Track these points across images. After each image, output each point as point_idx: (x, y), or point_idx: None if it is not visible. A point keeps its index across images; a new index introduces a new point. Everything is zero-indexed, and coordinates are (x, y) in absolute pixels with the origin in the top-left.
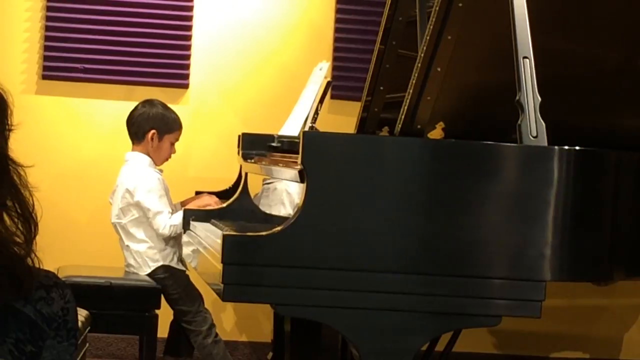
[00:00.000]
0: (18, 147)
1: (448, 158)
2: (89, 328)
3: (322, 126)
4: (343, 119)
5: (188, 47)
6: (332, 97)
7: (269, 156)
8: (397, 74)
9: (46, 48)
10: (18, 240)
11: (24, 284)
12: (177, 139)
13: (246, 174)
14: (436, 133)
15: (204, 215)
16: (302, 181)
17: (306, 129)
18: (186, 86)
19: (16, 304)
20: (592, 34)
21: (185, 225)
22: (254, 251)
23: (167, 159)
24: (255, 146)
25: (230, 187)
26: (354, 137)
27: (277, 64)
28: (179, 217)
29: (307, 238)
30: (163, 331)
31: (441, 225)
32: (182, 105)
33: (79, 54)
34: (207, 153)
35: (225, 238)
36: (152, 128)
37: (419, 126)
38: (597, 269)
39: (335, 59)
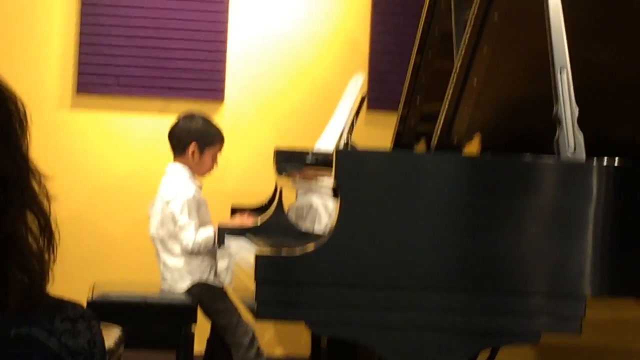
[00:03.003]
0: (53, 162)
1: (485, 174)
2: (122, 346)
3: (358, 139)
4: (379, 132)
5: (223, 61)
6: (369, 108)
7: (304, 171)
8: (434, 86)
9: (81, 62)
10: (37, 251)
11: (33, 301)
12: (219, 152)
13: (281, 190)
14: (473, 146)
15: (239, 231)
16: (336, 197)
17: (342, 143)
18: (221, 99)
19: (40, 337)
20: (630, 43)
21: (220, 241)
22: (288, 270)
23: (209, 171)
24: (290, 161)
25: (266, 202)
26: (387, 154)
27: (313, 77)
28: (204, 233)
29: (341, 257)
30: (201, 345)
31: (480, 242)
32: (218, 119)
33: (114, 68)
34: (243, 167)
35: (258, 258)
36: (193, 141)
37: (455, 139)
38: (638, 285)
39: (371, 70)
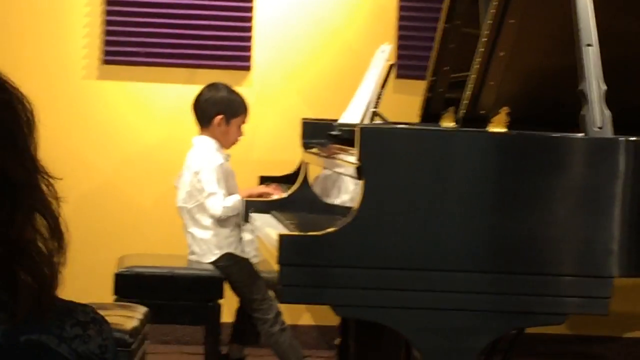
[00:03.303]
0: (80, 133)
1: (512, 152)
2: (147, 325)
3: (387, 106)
4: (408, 99)
5: (249, 29)
6: (397, 76)
7: (329, 147)
8: (462, 53)
9: (107, 33)
10: (47, 255)
11: (42, 306)
12: (244, 122)
13: (307, 163)
14: (500, 118)
15: (265, 207)
16: (359, 178)
17: (368, 114)
18: (248, 68)
19: (50, 343)
20: None
21: (245, 217)
22: (311, 251)
23: (235, 142)
24: (316, 135)
25: (294, 171)
26: (412, 131)
27: (340, 44)
28: (232, 199)
29: (365, 237)
30: (227, 318)
31: (507, 221)
32: (245, 87)
33: (140, 37)
34: (270, 135)
35: (281, 238)
36: (219, 113)
37: (482, 111)
38: None
39: (399, 37)
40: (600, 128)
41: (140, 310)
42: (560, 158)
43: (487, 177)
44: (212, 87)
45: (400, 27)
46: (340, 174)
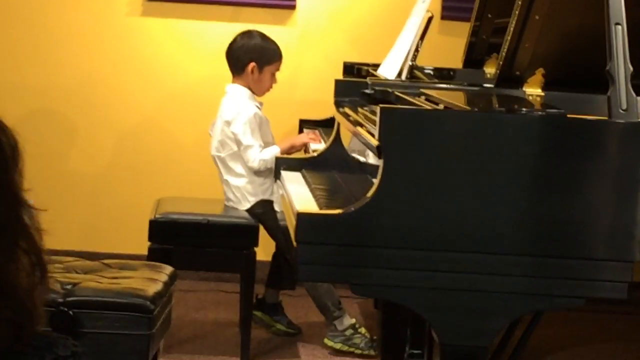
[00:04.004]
0: (123, 69)
1: (533, 133)
2: (173, 286)
3: (431, 48)
4: (453, 40)
5: None
6: (442, 17)
7: (358, 111)
8: (505, 1)
9: None
10: (26, 284)
11: (22, 341)
12: (277, 69)
13: (339, 123)
14: (536, 79)
15: (296, 164)
16: (379, 157)
17: (406, 68)
18: (293, 7)
19: None
20: None
21: (276, 174)
22: (328, 230)
23: (268, 90)
24: (349, 92)
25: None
26: (433, 112)
27: None
28: (270, 152)
29: (384, 217)
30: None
31: (529, 204)
32: (289, 27)
33: None
34: (314, 75)
35: (299, 216)
36: (252, 60)
37: (517, 72)
38: None
39: None
40: (625, 110)
41: (166, 272)
42: (583, 141)
43: (509, 159)
44: (245, 34)
45: None
46: (364, 145)
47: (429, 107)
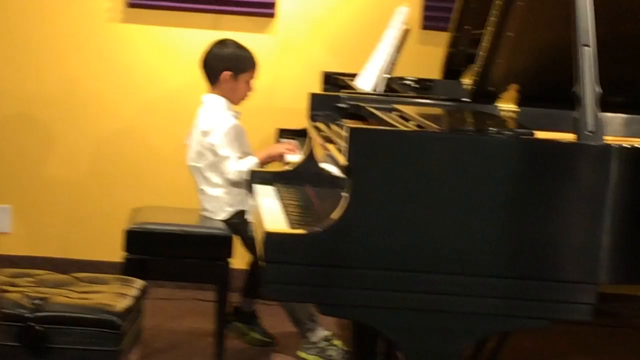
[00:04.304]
0: (103, 76)
1: (501, 155)
2: (142, 301)
3: (411, 57)
4: (433, 50)
5: None
6: (423, 27)
7: (330, 127)
8: (485, 10)
9: None
10: None
11: None
12: (252, 77)
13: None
14: (510, 95)
15: (269, 177)
16: (347, 176)
17: (381, 80)
18: (273, 15)
19: None
20: None
21: (249, 187)
22: (296, 250)
23: (244, 98)
24: (323, 106)
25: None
26: (402, 133)
27: None
28: (247, 162)
29: (351, 238)
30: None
31: (494, 225)
32: (269, 35)
33: None
34: (292, 84)
35: (266, 235)
36: (226, 69)
37: (491, 88)
38: None
39: None
40: (591, 132)
41: (137, 286)
42: (549, 163)
43: (476, 180)
44: (219, 43)
45: None
46: (332, 159)
47: (397, 128)
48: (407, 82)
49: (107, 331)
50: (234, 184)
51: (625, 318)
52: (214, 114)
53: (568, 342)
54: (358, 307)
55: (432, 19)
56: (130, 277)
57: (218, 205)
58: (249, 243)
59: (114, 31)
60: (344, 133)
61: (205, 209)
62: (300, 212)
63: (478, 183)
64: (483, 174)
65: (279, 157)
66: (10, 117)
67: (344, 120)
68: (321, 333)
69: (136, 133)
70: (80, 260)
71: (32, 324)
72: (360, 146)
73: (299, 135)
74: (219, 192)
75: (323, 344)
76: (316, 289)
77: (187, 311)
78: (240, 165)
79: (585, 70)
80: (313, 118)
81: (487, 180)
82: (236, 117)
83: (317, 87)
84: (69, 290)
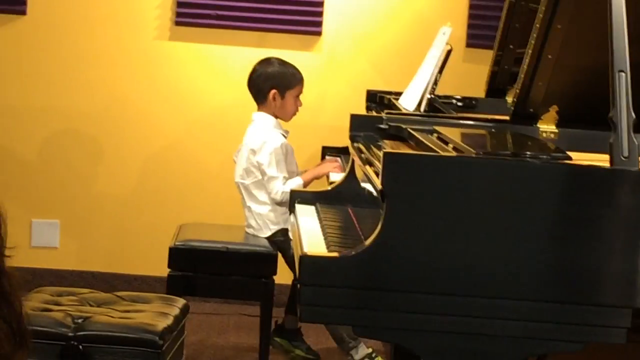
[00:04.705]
0: (151, 93)
1: (536, 180)
2: (185, 319)
3: (455, 75)
4: (477, 67)
5: None
6: (467, 45)
7: (370, 149)
8: (529, 30)
9: None
10: (6, 350)
11: None
12: (300, 92)
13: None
14: (550, 116)
15: (310, 198)
16: (382, 200)
17: (424, 100)
18: (319, 33)
19: None
20: None
21: (291, 207)
22: (330, 272)
23: (294, 114)
24: (364, 127)
25: None
26: (436, 158)
27: (412, 11)
28: (293, 184)
29: (385, 261)
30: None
31: (533, 250)
32: (315, 53)
33: (212, 0)
34: (338, 101)
35: (302, 259)
36: (272, 87)
37: (531, 109)
38: None
39: (471, 6)
40: (627, 157)
41: (178, 305)
42: (584, 188)
43: (512, 204)
44: (263, 62)
45: None
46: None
47: (431, 154)
48: (453, 100)
49: (149, 350)
50: (279, 203)
51: None
52: (263, 132)
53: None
54: (390, 330)
55: (476, 37)
56: (172, 296)
57: (263, 222)
58: (291, 261)
59: (161, 49)
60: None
61: (250, 226)
62: (340, 234)
63: (512, 207)
64: (517, 198)
65: (324, 176)
66: (59, 133)
67: (384, 141)
68: (364, 351)
69: (183, 150)
70: (126, 275)
71: (74, 342)
72: (394, 170)
73: (344, 152)
74: (265, 209)
75: None
76: (350, 312)
77: (232, 326)
78: (287, 187)
79: (621, 96)
80: (353, 139)
81: (521, 205)
82: (285, 136)
83: (362, 105)
84: (111, 309)
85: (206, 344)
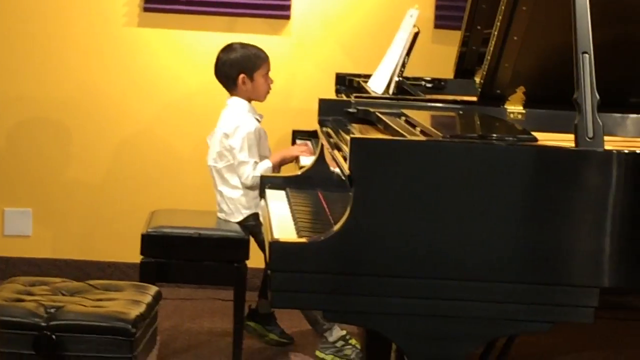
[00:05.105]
0: (121, 79)
1: (501, 162)
2: (157, 306)
3: (424, 56)
4: (445, 49)
5: None
6: (436, 27)
7: (339, 133)
8: (496, 10)
9: None
10: None
11: None
12: (268, 70)
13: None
14: (517, 97)
15: (280, 182)
16: (350, 186)
17: (393, 82)
18: (288, 17)
19: None
20: None
21: (261, 192)
22: (300, 258)
23: (267, 92)
24: (333, 111)
25: None
26: (402, 142)
27: None
28: (262, 167)
29: (354, 246)
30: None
31: (498, 231)
32: (284, 37)
33: None
34: (308, 85)
35: (272, 245)
36: (240, 72)
37: (498, 91)
38: None
39: None
40: (591, 138)
41: (150, 292)
42: (550, 169)
43: (479, 187)
44: (225, 50)
45: None
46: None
47: (398, 138)
48: (422, 82)
49: (121, 339)
50: (250, 187)
51: (629, 310)
52: (236, 117)
53: (584, 336)
54: (362, 314)
55: (444, 18)
56: (145, 284)
57: (235, 207)
58: (263, 246)
59: (130, 35)
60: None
61: (222, 210)
62: (310, 219)
63: (479, 190)
64: (485, 181)
65: (293, 159)
66: (29, 121)
67: (352, 125)
68: (338, 333)
69: (154, 135)
70: (100, 262)
71: (47, 332)
72: (361, 156)
73: (314, 136)
74: (237, 194)
75: (340, 343)
76: (321, 297)
77: (205, 311)
78: (256, 172)
79: (585, 77)
80: (322, 123)
81: (488, 187)
82: (259, 120)
83: (332, 88)
84: (84, 298)
85: (180, 329)
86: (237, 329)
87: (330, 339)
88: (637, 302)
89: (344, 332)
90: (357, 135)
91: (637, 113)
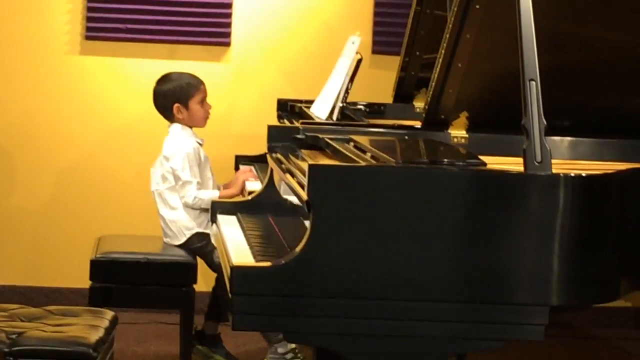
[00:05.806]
0: (63, 106)
1: (454, 187)
2: (114, 330)
3: (363, 81)
4: (383, 74)
5: (229, 5)
6: (373, 52)
7: (289, 159)
8: (434, 36)
9: (89, 9)
10: None
11: None
12: (203, 97)
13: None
14: (460, 122)
15: (231, 208)
16: (308, 211)
17: (337, 108)
18: (228, 44)
19: None
20: (608, 18)
21: (212, 218)
22: (262, 282)
23: (206, 118)
24: (281, 137)
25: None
26: (358, 168)
27: (318, 21)
28: (207, 194)
29: (312, 269)
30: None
31: (450, 253)
32: (224, 64)
33: (121, 14)
34: (249, 110)
35: (232, 270)
36: (174, 102)
37: (442, 116)
38: (603, 290)
39: (376, 14)
40: (540, 162)
41: (107, 317)
42: (501, 193)
43: (432, 210)
44: (160, 81)
45: (377, 3)
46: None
47: (354, 164)
48: (360, 107)
49: None
50: (191, 206)
51: (577, 328)
52: (176, 140)
53: (527, 355)
54: (320, 334)
55: (382, 43)
56: (100, 309)
57: (177, 229)
58: (214, 268)
59: (72, 63)
60: (304, 168)
61: (166, 234)
62: (263, 243)
63: (430, 213)
64: (435, 204)
65: (241, 190)
66: None
67: (302, 151)
68: (289, 345)
69: (97, 162)
70: (45, 288)
71: (10, 358)
72: (319, 182)
73: (257, 161)
74: (176, 215)
75: (289, 355)
76: (281, 319)
77: (152, 335)
78: (201, 194)
79: (532, 104)
80: (272, 149)
81: (438, 210)
82: (200, 144)
83: (273, 114)
84: (43, 323)
85: (126, 352)
86: (186, 351)
87: (281, 351)
88: (574, 320)
89: (294, 345)
90: (313, 162)
91: (571, 136)
